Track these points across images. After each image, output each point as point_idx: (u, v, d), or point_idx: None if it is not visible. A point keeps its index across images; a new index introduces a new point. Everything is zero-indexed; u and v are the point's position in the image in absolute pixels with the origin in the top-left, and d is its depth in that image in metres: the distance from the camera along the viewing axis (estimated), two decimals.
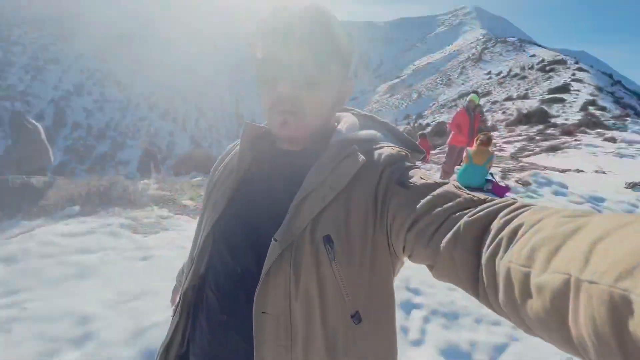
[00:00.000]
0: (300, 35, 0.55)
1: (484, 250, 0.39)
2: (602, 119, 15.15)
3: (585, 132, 11.52)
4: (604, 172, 6.27)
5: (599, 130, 11.76)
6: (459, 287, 0.43)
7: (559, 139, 10.77)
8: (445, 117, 33.87)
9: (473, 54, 52.54)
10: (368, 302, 0.58)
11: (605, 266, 0.25)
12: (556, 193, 4.98)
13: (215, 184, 0.71)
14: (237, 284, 0.63)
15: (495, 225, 0.39)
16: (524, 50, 42.02)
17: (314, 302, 0.56)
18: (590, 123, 13.60)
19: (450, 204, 0.46)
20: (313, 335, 0.58)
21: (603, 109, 18.56)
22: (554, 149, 8.43)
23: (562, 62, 33.40)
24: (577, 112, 17.93)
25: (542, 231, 0.33)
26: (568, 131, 11.95)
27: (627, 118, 15.89)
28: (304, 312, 0.57)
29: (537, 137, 11.65)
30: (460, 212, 0.44)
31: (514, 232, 0.36)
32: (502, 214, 0.40)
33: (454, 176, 4.34)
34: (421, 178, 0.53)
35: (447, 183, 0.51)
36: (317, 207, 0.55)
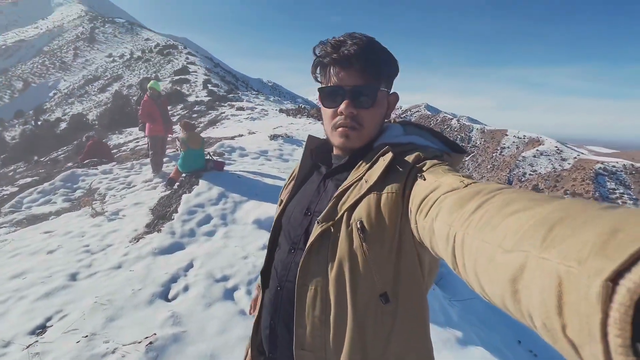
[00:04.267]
0: (359, 66, 0.69)
1: (456, 223, 0.43)
2: (220, 93, 19.70)
3: (222, 105, 14.71)
4: (253, 133, 8.71)
5: (229, 102, 15.40)
6: (441, 256, 0.48)
7: (209, 113, 13.03)
8: (80, 108, 28.67)
9: (82, 33, 45.72)
10: (395, 285, 0.65)
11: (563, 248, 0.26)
12: (241, 155, 6.44)
13: (285, 188, 0.90)
14: (290, 259, 0.76)
15: (472, 203, 0.43)
16: (137, 34, 42.52)
17: (346, 276, 0.65)
18: (220, 97, 17.32)
19: (446, 185, 0.52)
20: (343, 311, 0.65)
21: (217, 85, 23.84)
22: (214, 122, 10.25)
23: (174, 46, 37.55)
24: (202, 89, 21.88)
25: (514, 216, 0.34)
26: (210, 106, 14.63)
27: (238, 91, 21.73)
28: (337, 284, 0.66)
29: (193, 115, 13.36)
30: (449, 192, 0.50)
31: (486, 210, 0.39)
32: (480, 195, 0.43)
33: (175, 166, 4.40)
34: (440, 172, 0.59)
35: (457, 174, 0.57)
36: (353, 197, 0.67)
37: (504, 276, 0.31)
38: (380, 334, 0.65)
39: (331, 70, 0.71)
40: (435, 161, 0.64)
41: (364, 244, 0.63)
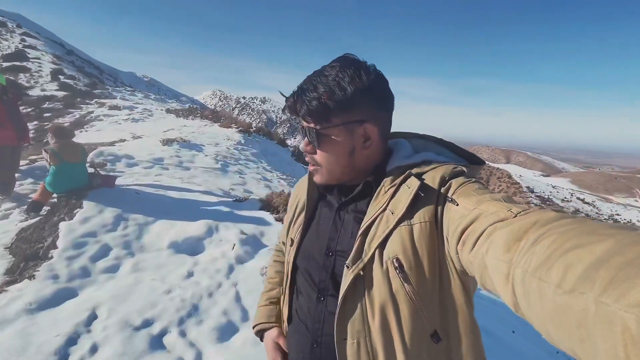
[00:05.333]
0: (300, 114, 0.68)
1: (515, 260, 0.39)
2: (79, 87, 16.15)
3: (87, 103, 12.04)
4: (140, 137, 7.43)
5: (97, 99, 12.72)
6: (498, 294, 0.43)
7: (70, 113, 10.46)
8: None
9: None
10: (444, 320, 0.60)
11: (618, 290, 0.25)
12: (128, 165, 5.38)
13: (291, 222, 0.83)
14: (321, 309, 0.70)
15: (529, 238, 0.39)
16: None
17: (391, 322, 0.60)
18: (82, 93, 14.17)
19: (491, 214, 0.48)
20: (394, 357, 0.60)
21: (73, 77, 19.50)
22: (80, 124, 8.27)
23: (1, 24, 28.80)
24: (51, 81, 17.50)
25: (572, 253, 0.32)
26: (70, 104, 11.81)
27: (107, 87, 18.20)
28: (382, 333, 0.60)
29: (45, 114, 10.47)
30: (497, 222, 0.46)
31: (545, 248, 0.36)
32: (534, 227, 0.40)
33: (42, 184, 3.28)
34: (472, 193, 0.55)
35: (493, 195, 0.53)
36: (382, 232, 0.62)
37: (569, 321, 0.30)
38: None
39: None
40: (460, 179, 0.60)
41: (405, 284, 0.58)
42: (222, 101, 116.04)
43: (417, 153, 0.71)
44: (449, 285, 0.60)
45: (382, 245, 0.61)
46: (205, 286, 2.51)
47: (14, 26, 29.12)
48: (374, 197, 0.66)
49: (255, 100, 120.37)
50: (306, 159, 0.73)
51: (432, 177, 0.62)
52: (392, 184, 0.65)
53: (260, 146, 8.59)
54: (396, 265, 0.58)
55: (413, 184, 0.61)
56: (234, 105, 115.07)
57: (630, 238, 0.30)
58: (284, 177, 6.89)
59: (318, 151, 0.70)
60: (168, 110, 11.53)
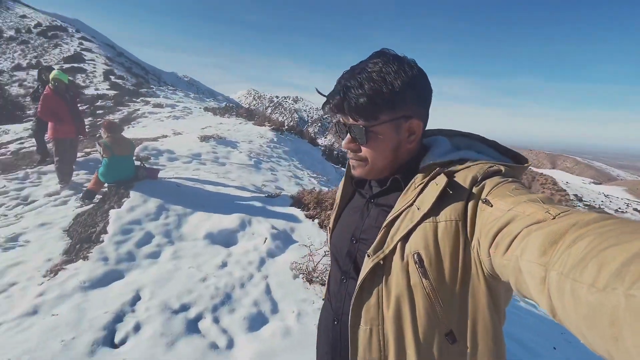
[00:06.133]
0: (347, 111, 0.67)
1: (551, 263, 0.38)
2: (128, 87, 17.35)
3: (134, 101, 12.92)
4: (180, 133, 7.86)
5: (142, 98, 13.61)
6: (534, 299, 0.42)
7: (119, 110, 11.29)
8: None
9: None
10: (462, 322, 0.59)
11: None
12: (170, 159, 5.72)
13: (331, 212, 0.90)
14: (343, 290, 0.75)
15: (565, 240, 0.38)
16: (8, 8, 34.33)
17: (406, 315, 0.60)
18: (130, 92, 15.21)
19: (527, 216, 0.46)
20: (403, 353, 0.60)
21: (122, 77, 20.98)
22: (128, 121, 8.90)
23: (62, 28, 31.61)
24: (104, 81, 18.95)
25: (607, 251, 0.32)
26: (119, 102, 12.74)
27: (151, 86, 19.40)
28: (395, 323, 0.61)
29: (98, 112, 11.39)
30: (533, 224, 0.44)
31: (581, 249, 0.35)
32: (573, 229, 0.39)
33: (95, 175, 3.61)
34: (508, 194, 0.53)
35: (531, 196, 0.51)
36: (406, 226, 0.61)
37: (601, 319, 0.29)
38: None
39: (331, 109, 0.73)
40: (496, 179, 0.57)
41: (423, 279, 0.58)
42: (256, 100, 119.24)
43: (457, 151, 0.69)
44: (473, 289, 0.58)
45: (405, 239, 0.61)
46: (237, 277, 2.61)
47: (74, 31, 31.88)
48: (403, 192, 0.66)
49: (287, 100, 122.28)
50: (348, 155, 0.73)
51: (465, 176, 0.60)
52: (422, 180, 0.64)
53: (292, 144, 8.74)
54: (416, 259, 0.58)
55: (441, 181, 0.60)
56: (267, 104, 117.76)
57: None
58: (315, 175, 6.96)
59: (364, 147, 0.69)
60: (206, 109, 12.06)
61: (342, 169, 8.88)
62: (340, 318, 0.74)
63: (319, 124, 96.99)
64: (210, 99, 20.16)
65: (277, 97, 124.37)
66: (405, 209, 0.63)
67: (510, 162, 0.66)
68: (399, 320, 0.61)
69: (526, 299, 0.46)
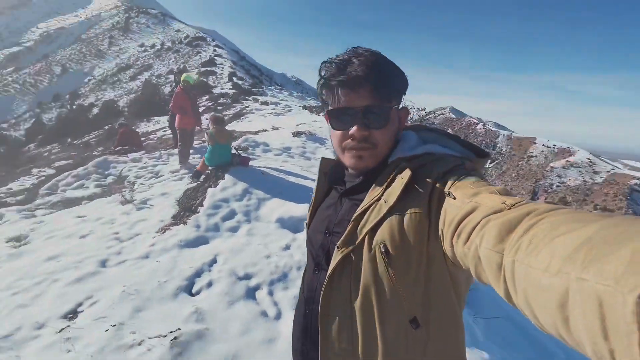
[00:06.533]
0: (368, 87, 0.65)
1: (507, 250, 0.40)
2: (245, 86, 19.94)
3: (246, 99, 14.86)
4: (277, 128, 8.74)
5: (253, 96, 15.54)
6: (492, 285, 0.43)
7: (234, 106, 13.19)
8: (112, 94, 29.81)
9: (118, 23, 47.49)
10: (425, 308, 0.62)
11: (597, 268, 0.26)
12: (264, 151, 6.47)
13: (308, 211, 0.88)
14: (315, 280, 0.76)
15: (520, 228, 0.40)
16: (169, 24, 43.70)
17: (373, 303, 0.62)
18: (245, 91, 17.49)
19: (486, 207, 0.48)
20: (372, 341, 0.63)
21: (242, 79, 24.18)
22: (239, 115, 10.37)
23: (203, 39, 38.33)
24: (228, 82, 22.23)
25: (559, 238, 0.33)
26: (235, 99, 14.82)
27: (262, 86, 21.88)
28: (363, 313, 0.63)
29: (218, 107, 13.57)
30: (491, 214, 0.46)
31: (535, 236, 0.37)
32: (527, 217, 0.41)
33: (202, 159, 4.46)
34: (469, 186, 0.55)
35: (490, 188, 0.53)
36: (373, 219, 0.63)
37: (552, 302, 0.30)
38: None
39: (339, 92, 0.68)
40: (458, 172, 0.60)
41: (389, 268, 0.60)
42: None
43: (423, 145, 0.71)
44: (436, 277, 0.60)
45: (373, 231, 0.63)
46: (297, 260, 2.87)
47: (210, 40, 38.17)
48: (372, 186, 0.68)
49: None
50: (356, 142, 0.68)
51: (429, 169, 0.62)
52: (389, 174, 0.66)
53: None
54: (383, 250, 0.60)
55: (406, 175, 0.62)
56: None
57: (615, 221, 0.31)
58: None
59: (377, 131, 0.68)
60: (304, 107, 12.99)
61: None
62: (311, 308, 0.75)
63: None
64: (312, 98, 21.51)
65: None
66: (374, 202, 0.65)
67: (472, 156, 0.68)
68: (367, 310, 0.63)
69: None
